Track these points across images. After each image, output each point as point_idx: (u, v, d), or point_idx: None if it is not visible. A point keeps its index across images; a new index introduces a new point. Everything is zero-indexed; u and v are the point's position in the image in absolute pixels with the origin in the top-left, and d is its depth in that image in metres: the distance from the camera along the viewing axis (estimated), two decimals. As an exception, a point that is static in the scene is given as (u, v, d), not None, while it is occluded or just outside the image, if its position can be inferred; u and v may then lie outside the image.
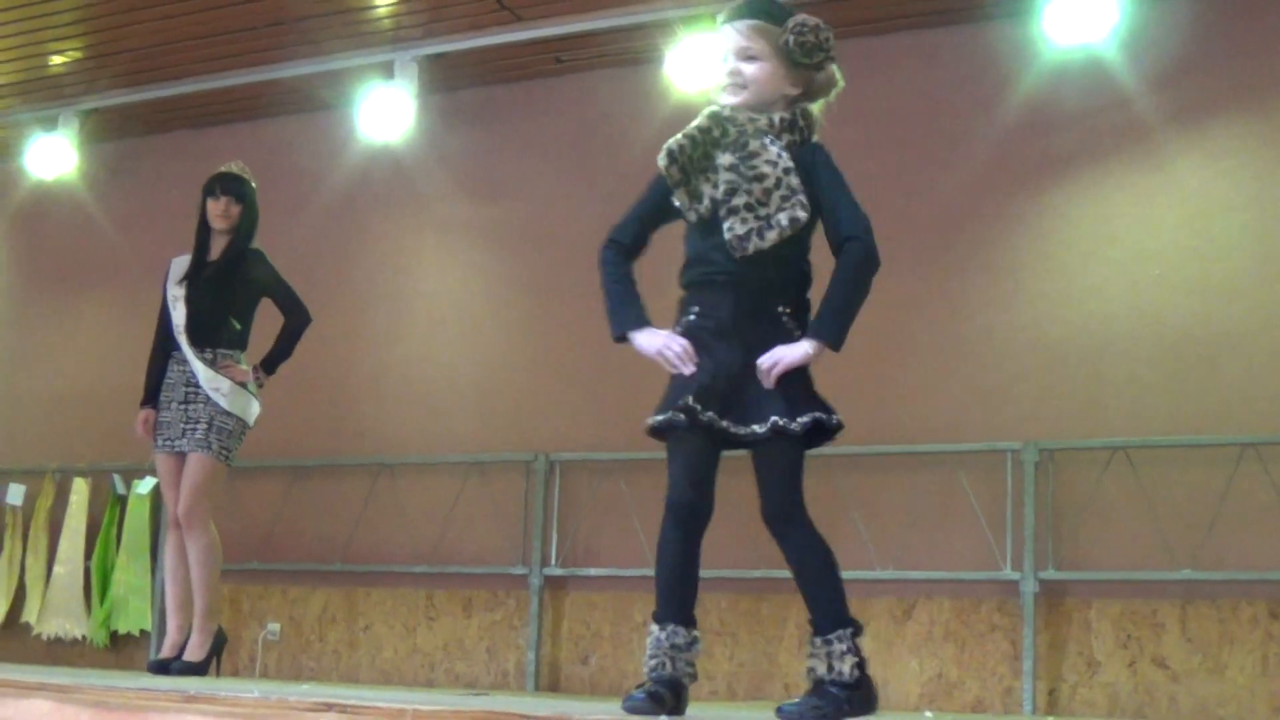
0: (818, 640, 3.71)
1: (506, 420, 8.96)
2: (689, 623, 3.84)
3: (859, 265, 3.76)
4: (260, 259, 6.70)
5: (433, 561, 8.89)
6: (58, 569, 10.00)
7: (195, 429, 6.44)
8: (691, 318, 3.84)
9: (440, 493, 9.00)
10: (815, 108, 4.00)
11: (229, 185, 6.68)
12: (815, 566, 3.79)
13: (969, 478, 7.48)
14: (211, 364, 6.48)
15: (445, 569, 8.84)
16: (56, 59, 9.57)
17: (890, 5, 8.13)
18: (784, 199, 3.75)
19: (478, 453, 8.90)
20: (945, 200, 8.03)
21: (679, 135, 3.86)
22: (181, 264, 6.72)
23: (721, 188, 3.78)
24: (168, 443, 6.51)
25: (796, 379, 3.78)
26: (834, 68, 3.97)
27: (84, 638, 9.79)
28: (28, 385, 10.66)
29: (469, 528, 8.86)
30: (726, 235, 3.76)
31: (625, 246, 3.98)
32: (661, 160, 3.85)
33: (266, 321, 6.78)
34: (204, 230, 6.69)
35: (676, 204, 3.89)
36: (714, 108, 3.91)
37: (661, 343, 3.81)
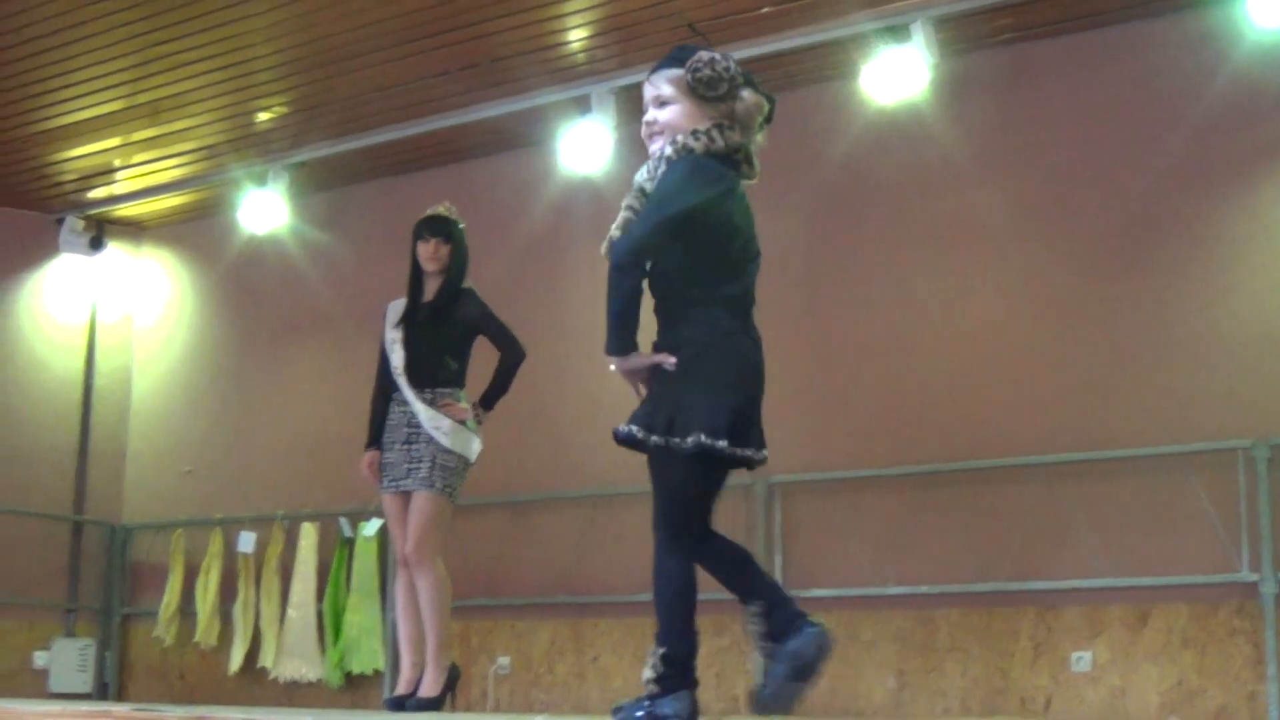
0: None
1: None
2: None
3: (609, 273, 3.90)
4: (472, 297, 6.77)
5: None
6: (291, 613, 10.26)
7: (419, 468, 6.51)
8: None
9: None
10: (760, 137, 4.14)
11: (437, 227, 6.77)
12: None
13: (1199, 478, 7.36)
14: (431, 404, 6.56)
15: None
16: (263, 116, 9.86)
17: (1080, 4, 8.06)
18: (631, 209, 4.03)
19: None
20: (1148, 197, 7.93)
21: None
22: (398, 308, 6.82)
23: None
24: (393, 483, 6.61)
25: (650, 391, 4.05)
26: (747, 93, 4.05)
27: (319, 680, 10.00)
28: (251, 435, 11.05)
29: None
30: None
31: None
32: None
33: (482, 359, 6.94)
34: (416, 273, 6.79)
35: None
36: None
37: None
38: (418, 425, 6.54)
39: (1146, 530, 7.51)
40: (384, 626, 9.69)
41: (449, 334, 6.69)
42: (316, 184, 10.77)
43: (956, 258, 8.49)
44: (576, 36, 8.62)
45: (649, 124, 4.16)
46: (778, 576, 8.39)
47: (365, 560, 9.88)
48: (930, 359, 8.43)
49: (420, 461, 6.52)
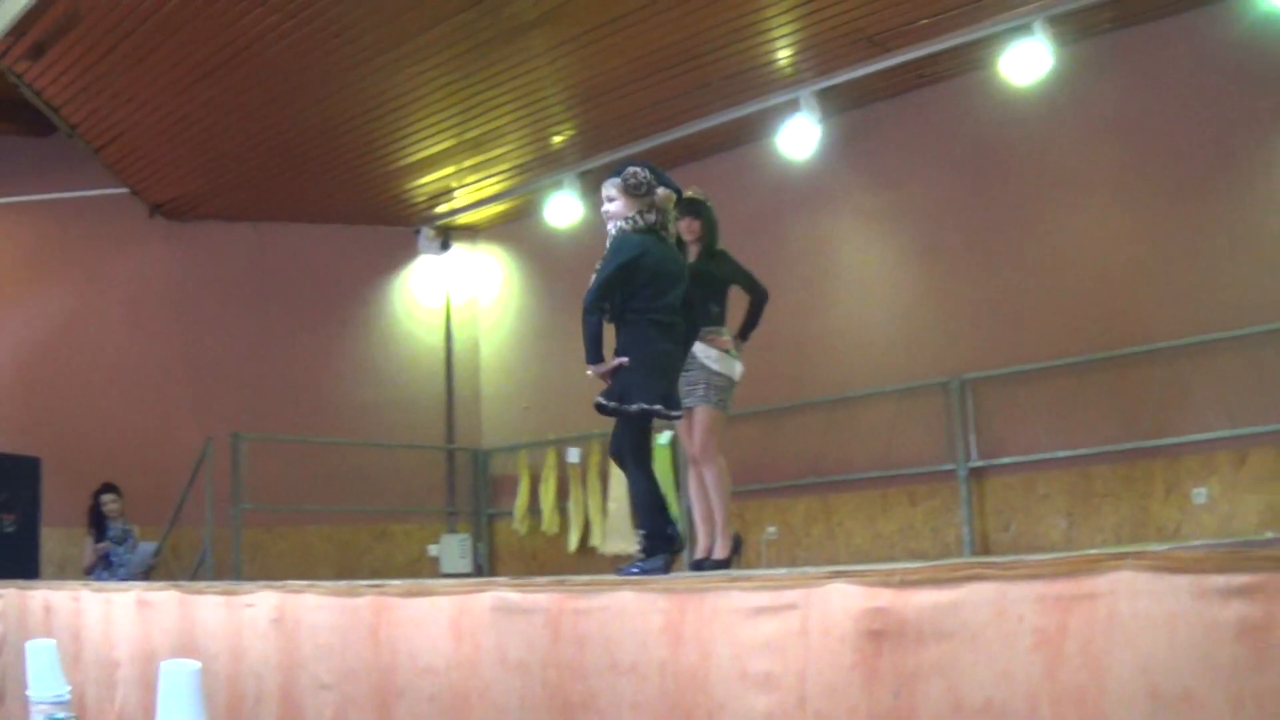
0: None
1: (927, 353, 8.95)
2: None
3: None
4: (725, 257, 6.52)
5: (884, 467, 8.95)
6: (610, 505, 10.53)
7: (697, 389, 6.30)
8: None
9: (883, 415, 9.06)
10: (671, 223, 5.05)
11: (689, 207, 6.42)
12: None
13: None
14: (702, 339, 6.22)
15: (892, 472, 8.90)
16: (556, 138, 10.10)
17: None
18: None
19: (908, 381, 8.95)
20: (1224, 138, 7.76)
21: None
22: None
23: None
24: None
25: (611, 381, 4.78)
26: (660, 190, 5.00)
27: (635, 552, 10.20)
28: (572, 376, 11.10)
29: (908, 439, 8.89)
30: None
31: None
32: None
33: (736, 303, 6.73)
34: (680, 243, 6.42)
35: None
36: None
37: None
38: (693, 356, 6.12)
39: (1244, 393, 7.43)
40: (681, 509, 9.62)
41: (710, 286, 6.39)
42: (601, 185, 10.86)
43: (1092, 194, 8.38)
44: (783, 54, 8.67)
45: (604, 212, 5.09)
46: (972, 452, 8.51)
47: (662, 462, 9.85)
48: (1077, 271, 8.34)
49: (698, 384, 6.30)
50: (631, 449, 4.83)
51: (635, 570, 4.62)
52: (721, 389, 6.38)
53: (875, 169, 9.45)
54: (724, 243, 6.67)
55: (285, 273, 11.93)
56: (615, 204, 5.09)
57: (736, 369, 6.46)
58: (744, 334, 6.54)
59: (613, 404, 4.78)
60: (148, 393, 11.27)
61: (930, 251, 9.10)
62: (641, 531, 4.80)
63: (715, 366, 6.35)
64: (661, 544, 4.76)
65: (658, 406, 4.77)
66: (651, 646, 2.86)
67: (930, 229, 9.09)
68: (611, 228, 5.05)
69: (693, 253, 6.48)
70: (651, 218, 5.06)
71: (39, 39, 8.46)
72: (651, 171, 5.13)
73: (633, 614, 2.94)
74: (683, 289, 5.09)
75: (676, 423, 6.19)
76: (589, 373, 4.92)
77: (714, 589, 2.75)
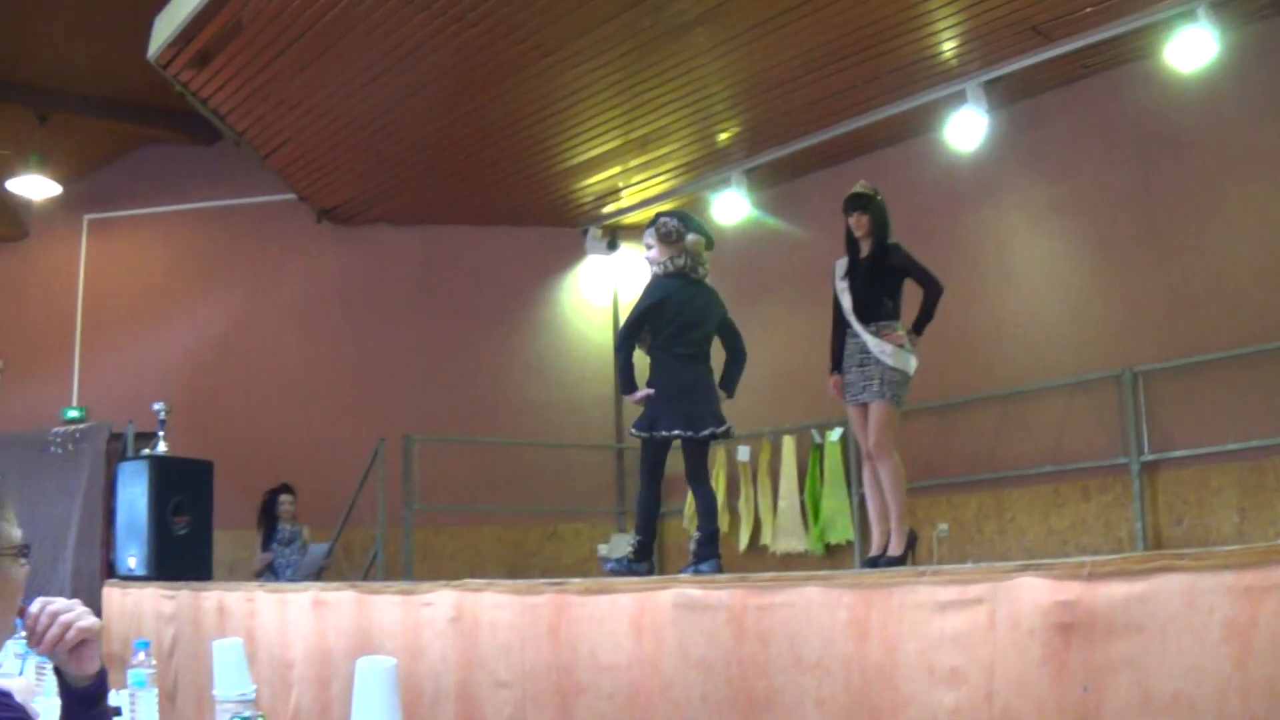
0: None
1: (1098, 345, 8.86)
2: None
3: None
4: (897, 250, 6.54)
5: (1056, 462, 8.85)
6: (781, 503, 10.47)
7: (872, 384, 6.37)
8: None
9: (1054, 409, 8.96)
10: (702, 258, 5.96)
11: (857, 203, 6.60)
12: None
13: None
14: (876, 334, 6.41)
15: (1066, 467, 8.80)
16: (722, 135, 10.13)
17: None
18: None
19: (1080, 374, 8.86)
20: None
21: None
22: (843, 264, 6.70)
23: None
24: (854, 397, 6.51)
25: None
26: (691, 236, 5.91)
27: (806, 550, 10.22)
28: (747, 373, 11.23)
29: (1080, 433, 8.79)
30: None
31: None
32: None
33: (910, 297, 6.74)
34: (851, 238, 6.67)
35: None
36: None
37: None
38: (868, 351, 6.44)
39: None
40: (852, 507, 9.84)
41: (883, 280, 6.51)
42: (768, 182, 10.87)
43: (1263, 181, 8.22)
44: (949, 46, 8.62)
45: (646, 259, 5.98)
46: (1145, 445, 8.40)
47: (833, 459, 10.00)
48: (1249, 260, 8.20)
49: (872, 379, 6.39)
50: (649, 467, 5.79)
51: (620, 567, 5.65)
52: (896, 384, 6.42)
53: (1043, 160, 9.37)
54: (895, 236, 6.66)
55: (453, 275, 12.06)
56: (652, 251, 5.96)
57: (911, 363, 6.48)
58: (918, 328, 6.52)
59: (645, 433, 5.72)
60: (318, 395, 11.54)
61: (1100, 243, 9.00)
62: (636, 537, 5.73)
63: (890, 361, 6.39)
64: (648, 551, 5.72)
65: (676, 431, 5.68)
66: (837, 642, 2.87)
67: (1100, 220, 8.99)
68: (650, 266, 5.92)
69: (864, 248, 6.61)
70: (681, 262, 5.89)
71: (203, 49, 8.69)
72: (681, 220, 5.95)
73: (817, 609, 2.95)
74: (711, 326, 5.96)
75: (850, 417, 6.70)
76: (627, 399, 5.85)
77: (901, 583, 2.76)
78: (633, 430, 5.80)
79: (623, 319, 11.92)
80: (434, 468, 10.64)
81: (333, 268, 11.86)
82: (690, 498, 10.82)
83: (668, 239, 5.88)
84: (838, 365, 6.67)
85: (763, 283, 11.05)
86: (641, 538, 5.73)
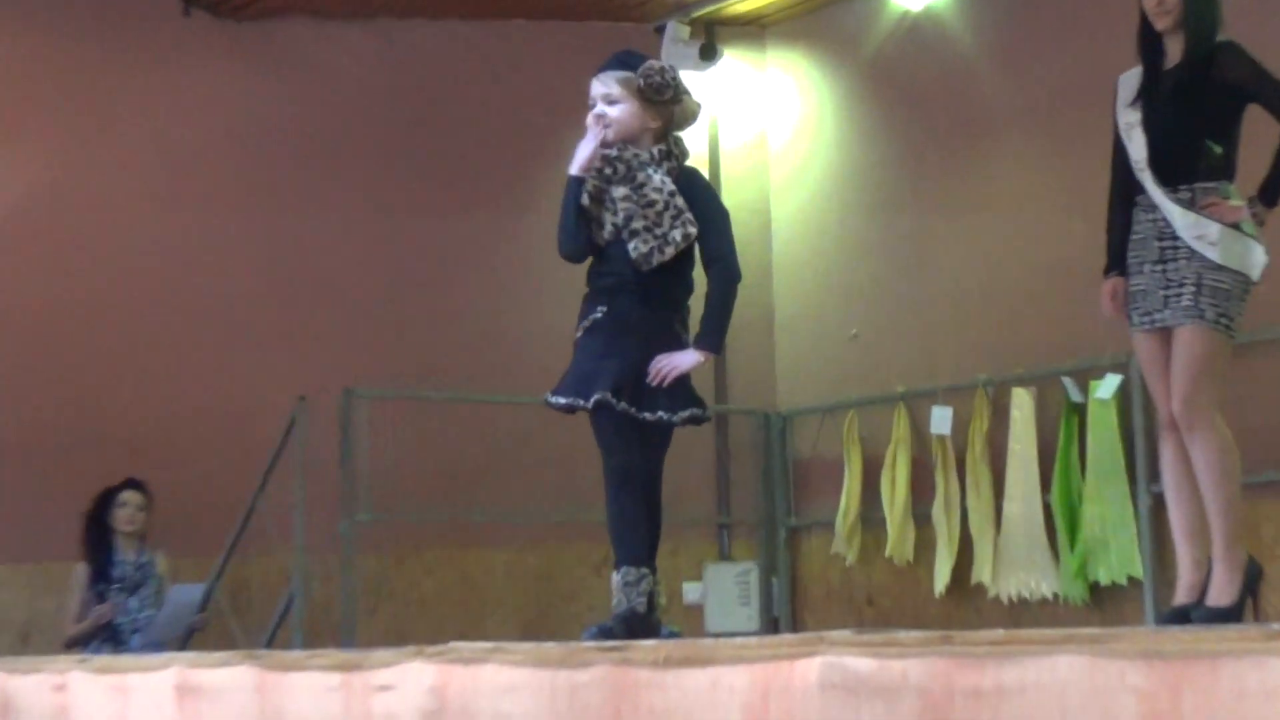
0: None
1: None
2: (640, 563, 6.11)
3: (725, 283, 6.19)
4: (1234, 53, 6.50)
5: None
6: (1008, 508, 10.48)
7: (1181, 294, 6.35)
8: (599, 315, 6.17)
9: None
10: (683, 137, 6.41)
11: None
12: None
13: None
14: (1190, 204, 6.38)
15: None
16: None
17: None
18: (674, 218, 6.06)
19: None
20: None
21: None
22: (1132, 80, 6.71)
23: (620, 215, 6.09)
24: (1145, 317, 6.50)
25: (680, 378, 6.13)
26: (688, 99, 6.35)
27: (1055, 595, 10.20)
28: (933, 279, 11.38)
29: None
30: (632, 254, 6.06)
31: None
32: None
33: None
34: (1149, 33, 6.63)
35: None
36: (603, 151, 6.19)
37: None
38: (1174, 236, 6.41)
39: None
40: (1138, 516, 9.75)
41: (1206, 108, 6.49)
42: None
43: None
44: None
45: (598, 117, 6.22)
46: None
47: (1103, 431, 10.00)
48: None
49: (1182, 285, 6.37)
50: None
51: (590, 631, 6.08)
52: (1227, 295, 6.44)
53: None
54: (1228, 32, 6.65)
55: (433, 110, 12.25)
56: (621, 108, 6.28)
57: (1255, 257, 6.47)
58: (1270, 196, 6.54)
59: (706, 410, 6.46)
60: (188, 320, 11.55)
61: None
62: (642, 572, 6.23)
63: (1214, 255, 6.41)
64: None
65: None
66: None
67: None
68: (601, 134, 6.28)
69: (1175, 48, 6.66)
70: (678, 135, 6.46)
71: None
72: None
73: (1083, 697, 2.99)
74: None
75: (1138, 354, 6.88)
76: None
77: (1236, 653, 2.74)
78: (696, 412, 6.42)
79: (728, 175, 12.66)
80: (395, 447, 10.82)
81: (217, 96, 11.97)
82: (886, 492, 11.43)
83: (660, 93, 6.29)
84: (1118, 261, 6.73)
85: (976, 115, 11.35)
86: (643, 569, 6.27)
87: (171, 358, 11.39)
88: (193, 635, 9.65)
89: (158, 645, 9.22)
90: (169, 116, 11.82)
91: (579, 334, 6.26)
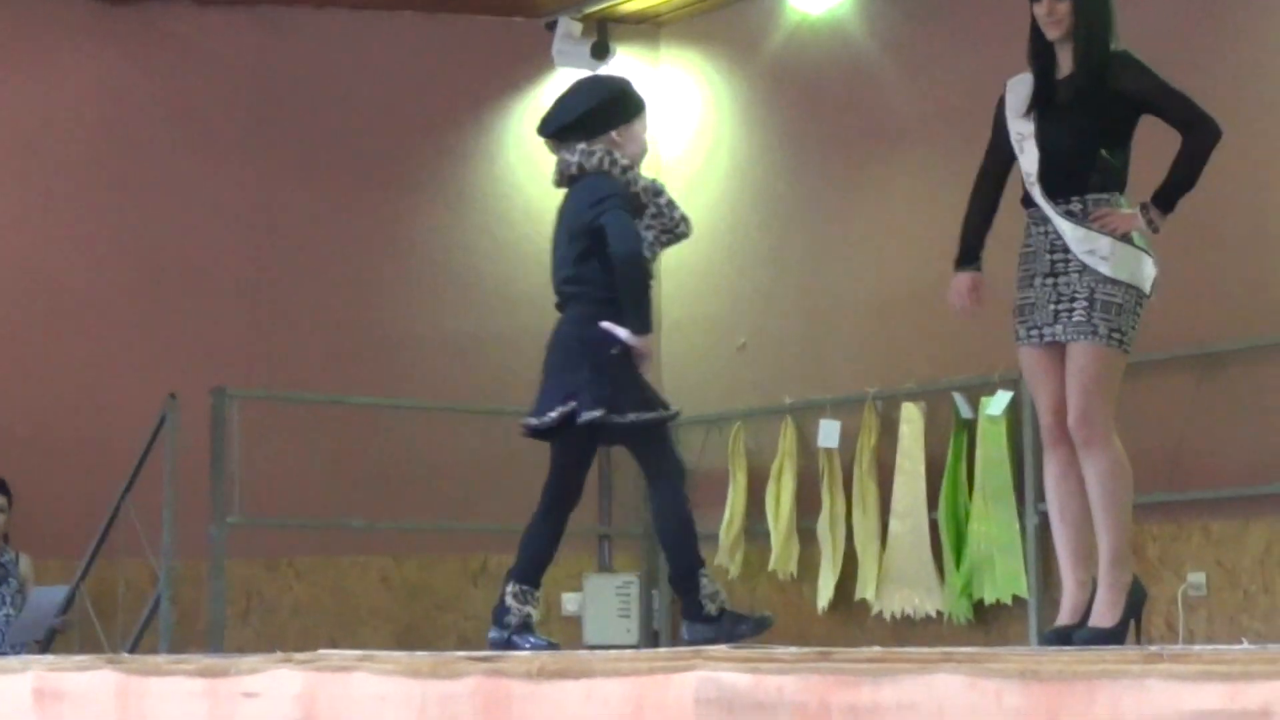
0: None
1: None
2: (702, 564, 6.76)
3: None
4: (1129, 63, 6.53)
5: None
6: (894, 525, 10.54)
7: (1073, 310, 6.36)
8: None
9: None
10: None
11: None
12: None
13: None
14: (1082, 217, 6.40)
15: None
16: None
17: None
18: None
19: None
20: None
21: None
22: (1020, 88, 6.71)
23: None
24: (1034, 332, 6.49)
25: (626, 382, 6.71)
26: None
27: (939, 614, 10.27)
28: (825, 290, 11.39)
29: None
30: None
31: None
32: None
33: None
34: (1039, 41, 6.66)
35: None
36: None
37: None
38: (1065, 249, 6.42)
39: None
40: (1023, 536, 9.81)
41: (1096, 117, 6.51)
42: None
43: None
44: None
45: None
46: None
47: (992, 448, 10.03)
48: None
49: (1074, 300, 6.37)
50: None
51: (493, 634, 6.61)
52: (1120, 309, 6.45)
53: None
54: (1127, 40, 6.73)
55: (315, 100, 12.32)
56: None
57: (1145, 271, 6.52)
58: (1166, 200, 6.55)
59: (656, 413, 6.95)
60: (53, 312, 11.62)
61: None
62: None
63: (1106, 269, 6.42)
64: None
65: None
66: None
67: None
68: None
69: (1067, 58, 6.68)
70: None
71: None
72: None
73: (958, 713, 3.02)
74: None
75: (1026, 369, 6.87)
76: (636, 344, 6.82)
77: (1115, 674, 2.80)
78: (643, 417, 6.77)
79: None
80: (269, 449, 10.95)
81: (91, 80, 12.00)
82: (771, 505, 11.54)
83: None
84: (971, 256, 6.91)
85: (874, 125, 11.36)
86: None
87: (35, 351, 11.45)
88: (54, 638, 9.67)
89: (18, 647, 9.40)
90: (37, 99, 11.85)
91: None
